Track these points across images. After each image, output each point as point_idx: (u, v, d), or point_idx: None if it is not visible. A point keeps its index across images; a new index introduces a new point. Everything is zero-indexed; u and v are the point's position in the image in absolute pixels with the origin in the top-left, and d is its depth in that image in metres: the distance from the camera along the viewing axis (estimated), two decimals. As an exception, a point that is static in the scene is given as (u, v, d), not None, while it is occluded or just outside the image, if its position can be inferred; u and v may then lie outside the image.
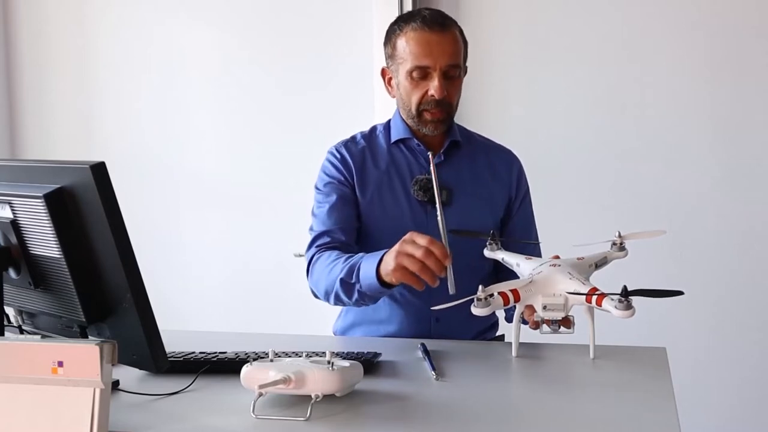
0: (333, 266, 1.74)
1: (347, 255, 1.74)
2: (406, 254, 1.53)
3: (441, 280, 1.54)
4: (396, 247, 1.56)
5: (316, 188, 1.93)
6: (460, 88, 1.88)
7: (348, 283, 1.69)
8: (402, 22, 1.85)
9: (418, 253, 1.52)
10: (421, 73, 1.82)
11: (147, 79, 3.18)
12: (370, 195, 1.88)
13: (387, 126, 1.97)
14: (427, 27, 1.80)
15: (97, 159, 1.23)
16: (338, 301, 1.76)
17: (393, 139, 1.93)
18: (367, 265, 1.65)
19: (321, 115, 2.99)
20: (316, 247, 1.84)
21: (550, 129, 2.86)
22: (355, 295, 1.70)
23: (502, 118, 2.87)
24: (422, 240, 1.53)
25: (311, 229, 1.89)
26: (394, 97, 1.92)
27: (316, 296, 1.86)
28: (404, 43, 1.83)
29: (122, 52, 3.20)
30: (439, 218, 1.56)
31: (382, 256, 1.61)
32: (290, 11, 3.02)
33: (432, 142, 1.92)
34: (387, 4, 2.83)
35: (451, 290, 1.53)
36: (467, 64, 1.90)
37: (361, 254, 1.71)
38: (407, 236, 1.56)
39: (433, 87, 1.81)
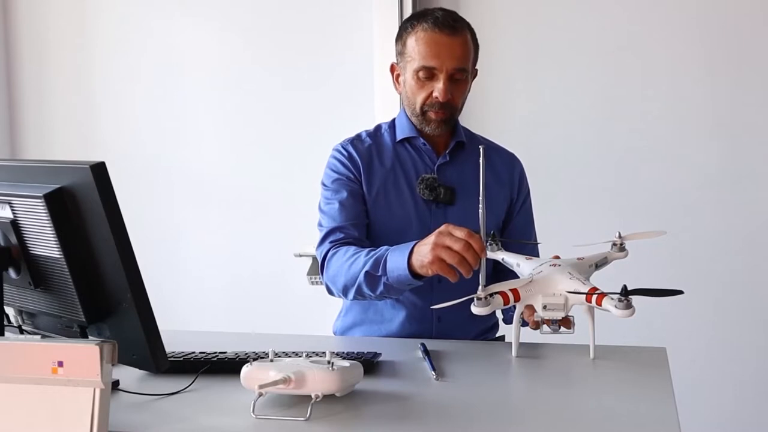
0: (354, 260, 1.73)
1: (368, 249, 1.74)
2: (444, 246, 1.53)
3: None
4: (432, 239, 1.55)
5: (323, 185, 1.92)
6: (465, 91, 1.88)
7: (374, 276, 1.68)
8: (414, 20, 1.86)
9: (457, 246, 1.52)
10: (428, 74, 1.82)
11: (146, 78, 3.19)
12: (375, 193, 1.89)
13: (392, 125, 1.97)
14: (437, 28, 1.81)
15: (97, 159, 1.23)
16: (359, 294, 1.75)
17: (398, 137, 1.93)
18: (395, 258, 1.65)
19: (321, 115, 2.99)
20: (330, 243, 1.83)
21: (550, 129, 2.86)
22: (380, 288, 1.69)
23: (502, 118, 2.87)
24: (460, 233, 1.53)
25: (320, 225, 1.89)
26: (400, 93, 1.92)
27: (330, 292, 1.85)
28: (414, 42, 1.83)
29: (122, 52, 3.20)
30: (480, 212, 1.55)
31: (413, 248, 1.61)
32: (290, 11, 3.02)
33: (437, 142, 1.92)
34: (387, 4, 2.83)
35: (483, 282, 1.53)
36: (477, 67, 1.90)
37: (385, 247, 1.70)
38: (443, 228, 1.56)
39: (438, 89, 1.81)
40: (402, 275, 1.63)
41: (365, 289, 1.71)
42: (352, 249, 1.77)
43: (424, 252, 1.57)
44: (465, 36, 1.84)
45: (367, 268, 1.69)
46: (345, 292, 1.77)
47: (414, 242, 1.62)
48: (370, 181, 1.89)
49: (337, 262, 1.78)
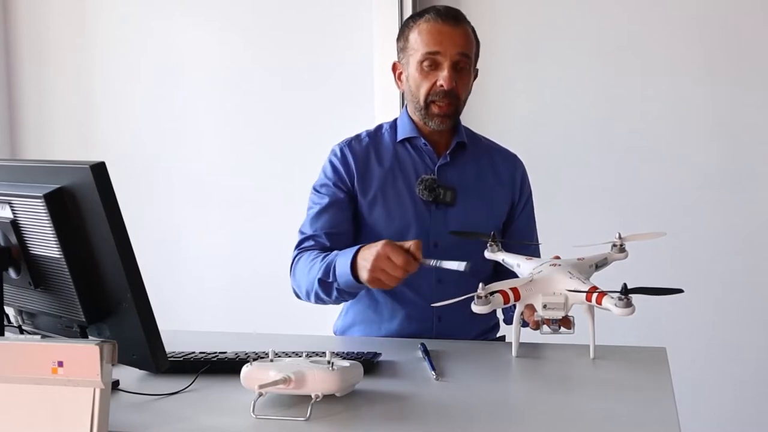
0: (312, 266, 1.77)
1: (324, 254, 1.77)
2: (383, 270, 1.59)
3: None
4: (372, 260, 1.60)
5: (314, 188, 1.93)
6: (468, 84, 1.88)
7: (326, 283, 1.73)
8: (416, 16, 1.88)
9: (396, 273, 1.58)
10: (432, 63, 1.82)
11: (146, 78, 3.18)
12: (372, 194, 1.88)
13: (393, 125, 1.97)
14: (440, 19, 1.83)
15: (97, 159, 1.23)
16: (319, 300, 1.79)
17: (399, 137, 1.93)
18: (341, 263, 1.69)
19: (321, 115, 2.99)
20: (299, 249, 1.87)
21: (550, 129, 2.86)
22: (335, 293, 1.74)
23: (502, 118, 2.87)
24: (399, 259, 1.58)
25: (300, 229, 1.91)
26: (403, 91, 1.92)
27: (298, 297, 1.88)
28: (416, 35, 1.84)
29: (122, 52, 3.20)
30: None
31: (355, 256, 1.65)
32: (290, 11, 3.02)
33: (438, 142, 1.92)
34: (387, 4, 2.83)
35: (464, 268, 1.56)
36: (477, 66, 1.90)
37: (335, 252, 1.74)
38: (381, 250, 1.59)
39: (443, 77, 1.81)
40: (348, 280, 1.68)
41: (322, 295, 1.77)
42: (313, 254, 1.81)
43: (364, 265, 1.62)
44: (467, 28, 1.86)
45: (319, 275, 1.74)
46: (308, 296, 1.82)
47: (358, 247, 1.67)
48: (366, 182, 1.89)
49: (300, 268, 1.83)
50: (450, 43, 1.81)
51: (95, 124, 3.25)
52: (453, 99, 1.84)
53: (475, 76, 1.91)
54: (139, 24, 3.17)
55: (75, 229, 1.27)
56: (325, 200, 1.88)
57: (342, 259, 1.69)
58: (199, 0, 3.11)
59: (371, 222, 1.88)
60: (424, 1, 2.84)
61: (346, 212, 1.88)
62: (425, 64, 1.82)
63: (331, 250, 1.83)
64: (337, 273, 1.70)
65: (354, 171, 1.89)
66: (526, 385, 1.51)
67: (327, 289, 1.74)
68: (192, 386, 1.41)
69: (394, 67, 1.93)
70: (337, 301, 1.81)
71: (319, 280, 1.73)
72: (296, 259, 1.86)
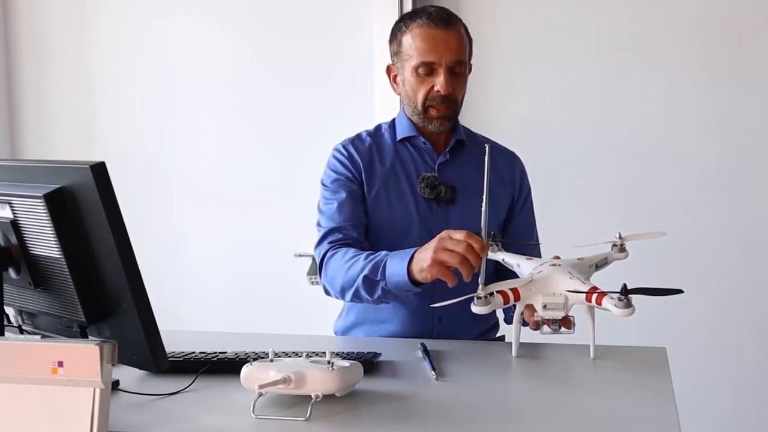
0: (352, 263, 1.73)
1: (367, 252, 1.74)
2: (445, 249, 1.53)
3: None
4: (433, 243, 1.56)
5: (323, 185, 1.92)
6: (465, 85, 1.88)
7: (372, 281, 1.68)
8: (407, 19, 1.86)
9: (459, 248, 1.52)
10: (427, 69, 1.82)
11: (146, 78, 3.19)
12: (376, 192, 1.88)
13: (392, 124, 1.97)
14: (432, 23, 1.81)
15: (97, 159, 1.23)
16: (356, 298, 1.75)
17: (398, 137, 1.93)
18: (394, 263, 1.64)
19: (321, 115, 2.99)
20: (329, 243, 1.83)
21: (550, 129, 2.86)
22: (378, 293, 1.69)
23: (502, 118, 2.87)
24: (460, 235, 1.54)
25: (319, 225, 1.88)
26: (399, 94, 1.92)
27: (328, 293, 1.85)
28: (410, 40, 1.83)
29: (122, 52, 3.20)
30: (483, 210, 1.55)
31: (413, 254, 1.61)
32: (290, 11, 3.02)
33: (437, 141, 1.92)
34: (387, 4, 2.83)
35: (483, 281, 1.54)
36: (471, 61, 1.91)
37: (384, 252, 1.70)
38: (443, 234, 1.56)
39: (439, 83, 1.81)
40: (401, 281, 1.63)
41: (363, 293, 1.71)
42: (351, 251, 1.77)
43: (423, 257, 1.57)
44: (459, 29, 1.85)
45: (365, 272, 1.69)
46: (342, 294, 1.77)
47: (414, 249, 1.62)
48: (370, 180, 1.89)
49: (335, 264, 1.78)
50: (445, 50, 1.80)
51: (95, 124, 3.25)
52: (451, 103, 1.84)
53: (470, 70, 1.91)
54: (139, 24, 3.17)
55: (75, 229, 1.27)
56: (343, 194, 1.87)
57: (395, 260, 1.65)
58: (199, 0, 3.11)
59: (375, 219, 1.88)
60: (424, 1, 2.84)
61: (362, 205, 1.88)
62: (420, 70, 1.82)
63: (359, 242, 1.83)
64: (387, 273, 1.65)
65: (361, 167, 1.89)
66: (526, 385, 1.51)
67: (371, 288, 1.69)
68: (192, 386, 1.41)
69: (389, 70, 1.93)
70: (378, 302, 1.76)
71: (365, 277, 1.68)
72: (328, 254, 1.81)
